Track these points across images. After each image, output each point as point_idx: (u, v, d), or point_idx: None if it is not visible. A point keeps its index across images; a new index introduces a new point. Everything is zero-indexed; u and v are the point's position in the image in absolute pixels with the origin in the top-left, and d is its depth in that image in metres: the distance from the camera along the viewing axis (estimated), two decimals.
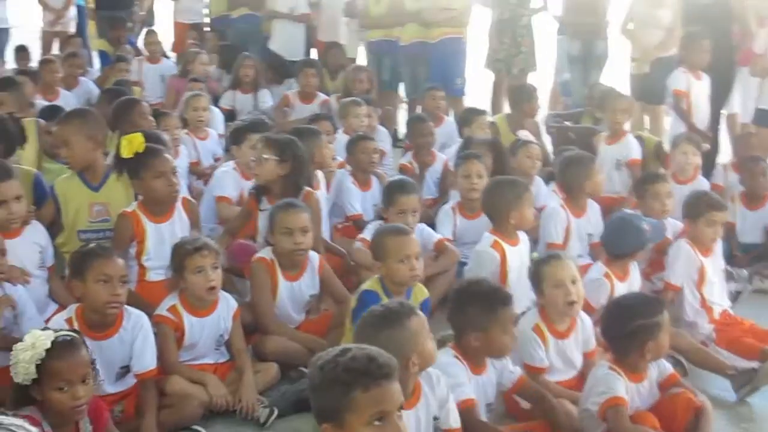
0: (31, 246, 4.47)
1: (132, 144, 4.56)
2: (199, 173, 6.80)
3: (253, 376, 4.18)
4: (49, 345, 3.12)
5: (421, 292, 4.31)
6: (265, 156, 5.04)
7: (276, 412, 4.05)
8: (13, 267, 4.23)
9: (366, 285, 4.27)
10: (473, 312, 3.66)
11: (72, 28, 11.50)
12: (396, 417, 2.48)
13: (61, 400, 3.14)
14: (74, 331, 3.39)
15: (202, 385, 4.07)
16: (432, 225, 5.63)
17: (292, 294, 4.61)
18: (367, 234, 5.08)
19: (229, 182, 5.81)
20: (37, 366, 3.10)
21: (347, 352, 2.48)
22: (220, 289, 4.24)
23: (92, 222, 4.81)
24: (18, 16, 12.27)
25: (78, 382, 3.15)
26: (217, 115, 7.84)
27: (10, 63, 10.64)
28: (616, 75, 9.55)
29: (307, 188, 5.07)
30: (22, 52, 10.49)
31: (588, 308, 4.38)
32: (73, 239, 4.81)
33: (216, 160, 7.05)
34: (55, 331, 3.25)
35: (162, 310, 4.16)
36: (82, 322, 3.84)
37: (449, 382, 3.46)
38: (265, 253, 4.60)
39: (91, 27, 12.00)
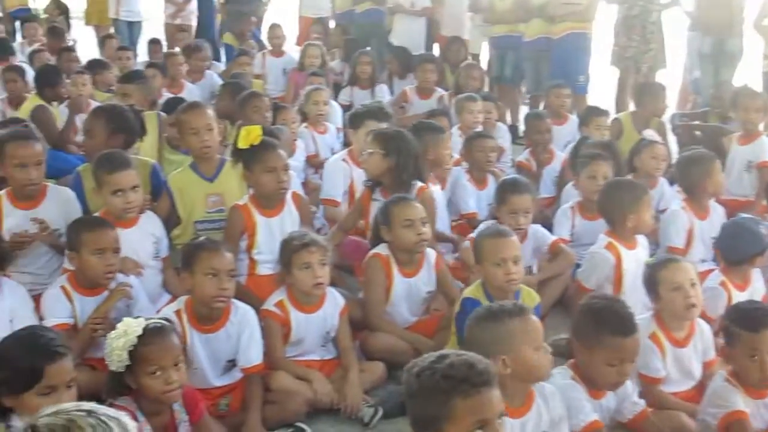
0: (146, 236, 4.55)
1: (249, 135, 4.59)
2: (317, 166, 6.80)
3: (358, 374, 4.14)
4: (140, 331, 3.17)
5: (530, 298, 4.17)
6: (370, 150, 5.00)
7: (381, 413, 3.99)
8: (126, 258, 4.31)
9: (468, 291, 4.18)
10: (604, 338, 3.45)
11: (193, 21, 11.73)
12: (497, 425, 2.39)
13: (154, 385, 3.17)
14: (166, 319, 3.44)
15: (307, 381, 4.05)
16: (549, 225, 5.48)
17: (409, 290, 4.54)
18: (476, 233, 4.98)
19: (337, 179, 5.72)
20: (130, 353, 3.15)
21: (444, 358, 2.40)
22: (329, 286, 4.21)
23: (208, 212, 4.87)
24: (151, 8, 12.61)
25: (170, 367, 3.19)
26: (336, 110, 7.86)
27: (144, 56, 10.94)
28: (750, 73, 9.11)
29: (421, 184, 5.00)
30: (154, 44, 10.80)
31: (705, 318, 4.17)
32: (189, 231, 4.88)
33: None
34: (146, 318, 3.30)
35: (269, 305, 4.16)
36: (191, 314, 3.88)
37: (569, 404, 3.34)
38: (381, 249, 4.54)
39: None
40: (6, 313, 3.94)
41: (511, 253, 4.09)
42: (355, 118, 5.95)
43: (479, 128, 6.77)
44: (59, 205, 4.65)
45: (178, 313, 3.87)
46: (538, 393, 3.23)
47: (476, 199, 5.94)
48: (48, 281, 4.35)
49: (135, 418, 3.10)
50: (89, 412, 2.34)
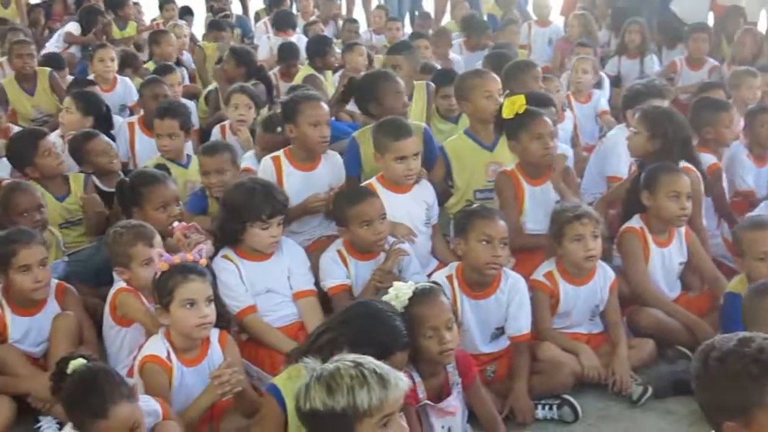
0: (418, 203, 4.63)
1: (514, 105, 4.57)
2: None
3: (626, 350, 4.04)
4: (410, 294, 3.24)
5: None
6: (635, 129, 4.84)
7: (650, 391, 3.89)
8: (400, 224, 4.42)
9: (731, 286, 4.01)
10: None
11: None
12: None
13: (429, 345, 3.23)
14: (435, 283, 3.51)
15: (575, 354, 4.00)
16: None
17: (663, 261, 4.42)
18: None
19: (621, 156, 5.57)
20: (401, 315, 3.22)
21: (750, 342, 2.24)
22: (599, 259, 4.14)
23: (489, 181, 4.87)
24: None
25: (443, 328, 3.24)
26: (602, 80, 7.66)
27: (408, 27, 11.17)
28: None
29: (686, 164, 4.77)
30: (423, 18, 10.99)
31: None
32: (466, 199, 4.92)
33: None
34: (416, 282, 3.37)
35: (538, 275, 4.15)
36: (462, 280, 3.94)
37: None
38: (634, 222, 4.44)
39: None
40: (285, 271, 4.19)
41: None
42: (633, 98, 5.64)
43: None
44: (332, 169, 4.88)
45: (449, 278, 3.93)
46: None
47: (755, 177, 5.60)
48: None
49: (411, 378, 3.19)
50: (357, 365, 2.46)
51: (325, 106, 4.84)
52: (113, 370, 3.11)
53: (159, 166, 5.07)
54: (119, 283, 3.86)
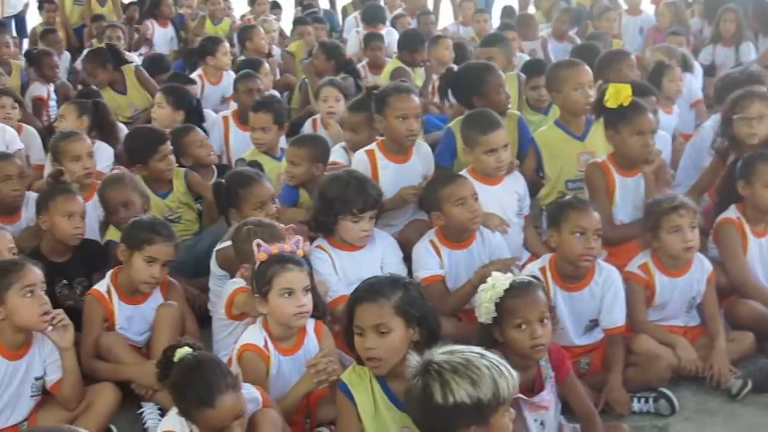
0: (510, 194, 4.63)
1: (619, 94, 4.50)
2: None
3: (725, 343, 3.97)
4: (507, 285, 3.24)
5: None
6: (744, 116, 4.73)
7: (750, 385, 3.82)
8: (493, 215, 4.42)
9: None
10: None
11: None
12: None
13: (520, 338, 3.22)
14: (534, 277, 3.49)
15: (671, 347, 3.95)
16: None
17: (761, 252, 4.34)
18: None
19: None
20: (497, 305, 3.24)
21: None
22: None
23: (580, 171, 4.84)
24: None
25: (536, 321, 3.23)
26: (694, 68, 7.50)
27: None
28: None
29: None
30: (507, 9, 10.94)
31: None
32: (558, 189, 4.90)
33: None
34: (514, 274, 3.39)
35: (633, 267, 4.11)
36: (555, 272, 3.93)
37: None
38: (730, 213, 4.36)
39: None
40: (377, 260, 4.25)
41: None
42: (729, 85, 5.50)
43: None
44: (423, 160, 4.93)
45: (542, 270, 3.92)
46: None
47: None
48: None
49: None
50: (481, 355, 2.47)
51: (416, 99, 4.85)
52: (219, 359, 3.19)
53: (252, 163, 5.17)
54: (237, 282, 3.93)
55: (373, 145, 4.92)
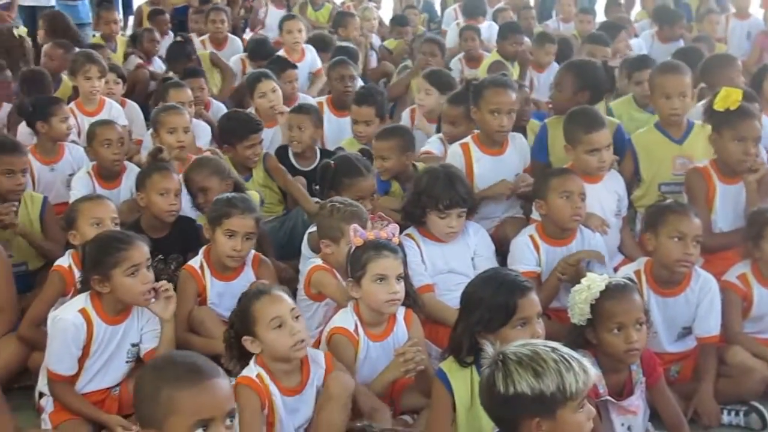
0: (610, 193, 4.57)
1: (729, 98, 4.39)
2: None
3: None
4: (603, 287, 3.19)
5: None
6: None
7: None
8: (593, 215, 4.37)
9: None
10: None
11: None
12: None
13: (615, 342, 3.18)
14: (630, 279, 3.42)
15: (766, 360, 3.85)
16: None
17: None
18: None
19: None
20: (592, 307, 3.19)
21: None
22: None
23: (675, 175, 4.75)
24: None
25: (631, 326, 3.18)
26: None
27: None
28: None
29: None
30: (613, 5, 10.76)
31: None
32: (652, 192, 4.81)
33: None
34: (610, 276, 3.33)
35: (731, 276, 4.02)
36: (650, 276, 3.87)
37: None
38: None
39: None
40: (469, 253, 4.26)
41: None
42: None
43: None
44: (519, 152, 4.93)
45: (637, 273, 3.86)
46: None
47: None
48: None
49: None
50: (553, 349, 2.46)
51: (512, 95, 4.81)
52: None
53: (362, 151, 5.18)
54: (315, 260, 3.99)
55: (468, 138, 4.91)
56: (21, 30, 7.71)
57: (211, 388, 2.22)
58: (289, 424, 3.26)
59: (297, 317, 3.23)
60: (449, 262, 4.19)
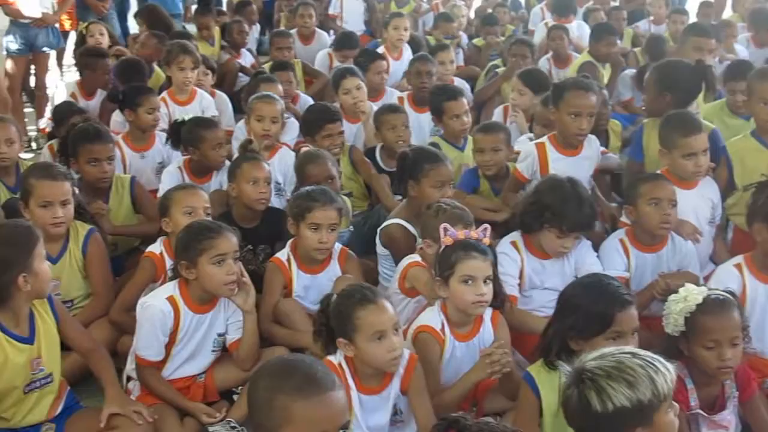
0: (704, 200, 4.47)
1: None
2: None
3: None
4: (700, 300, 3.11)
5: None
6: None
7: None
8: (686, 222, 4.27)
9: None
10: None
11: None
12: None
13: (708, 357, 3.10)
14: (731, 293, 3.28)
15: None
16: None
17: None
18: None
19: None
20: (686, 319, 3.11)
21: None
22: None
23: None
24: None
25: (725, 344, 3.09)
26: None
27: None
28: None
29: None
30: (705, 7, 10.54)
31: None
32: (745, 200, 4.62)
33: None
34: (710, 288, 3.22)
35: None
36: (752, 266, 3.76)
37: None
38: None
39: None
40: (570, 270, 4.11)
41: None
42: None
43: None
44: (593, 154, 4.89)
45: (737, 267, 3.78)
46: None
47: None
48: None
49: (683, 385, 3.12)
50: (633, 354, 2.40)
51: (592, 98, 4.73)
52: None
53: (432, 144, 5.18)
54: (413, 257, 3.98)
55: (544, 138, 4.88)
56: (82, 25, 7.87)
57: (327, 401, 2.20)
58: (363, 423, 3.23)
59: (397, 329, 3.15)
60: (547, 279, 4.08)
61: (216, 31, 8.75)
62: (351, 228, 4.99)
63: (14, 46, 7.79)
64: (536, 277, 4.08)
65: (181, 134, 5.18)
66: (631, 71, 7.36)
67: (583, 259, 4.12)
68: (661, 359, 2.41)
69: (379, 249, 4.43)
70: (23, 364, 3.32)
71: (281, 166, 5.25)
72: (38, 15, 7.77)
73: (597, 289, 3.12)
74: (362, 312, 3.09)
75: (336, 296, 3.19)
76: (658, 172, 4.45)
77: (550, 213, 3.97)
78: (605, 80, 7.34)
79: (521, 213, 4.13)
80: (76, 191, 4.28)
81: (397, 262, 4.25)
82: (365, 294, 3.15)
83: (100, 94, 6.76)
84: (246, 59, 8.59)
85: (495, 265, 3.55)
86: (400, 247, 4.31)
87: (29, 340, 3.34)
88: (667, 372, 2.38)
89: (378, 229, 4.46)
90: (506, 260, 4.01)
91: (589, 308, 3.04)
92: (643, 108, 5.46)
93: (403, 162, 4.60)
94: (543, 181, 4.26)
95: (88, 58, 6.91)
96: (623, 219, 4.46)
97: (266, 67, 7.40)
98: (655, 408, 2.35)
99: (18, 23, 7.76)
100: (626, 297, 3.08)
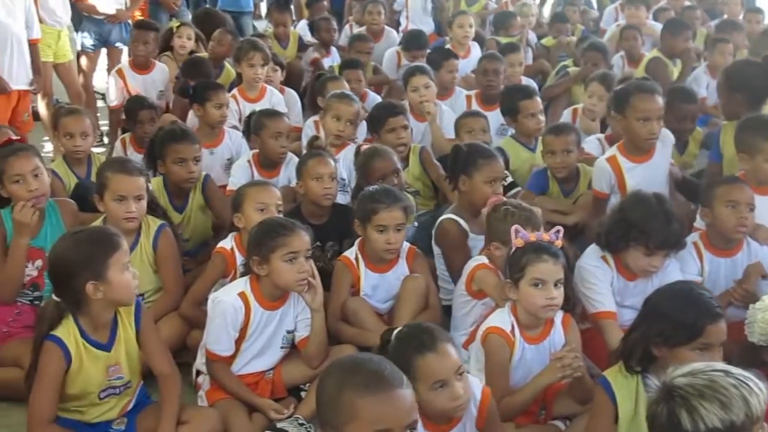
0: None
1: None
2: None
3: None
4: None
5: None
6: None
7: None
8: (762, 226, 4.16)
9: None
10: None
11: None
12: None
13: None
14: None
15: None
16: None
17: None
18: None
19: None
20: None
21: None
22: None
23: None
24: None
25: None
26: None
27: None
28: None
29: None
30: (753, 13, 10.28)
31: None
32: None
33: None
34: None
35: None
36: None
37: None
38: None
39: None
40: (655, 287, 3.95)
41: None
42: None
43: None
44: (666, 150, 4.81)
45: None
46: None
47: None
48: None
49: None
50: (726, 373, 2.32)
51: (659, 101, 4.63)
52: None
53: (504, 146, 5.14)
54: (480, 258, 3.96)
55: (613, 150, 4.78)
56: (173, 23, 7.97)
57: (394, 398, 2.19)
58: None
59: (461, 374, 2.88)
60: (629, 297, 3.92)
61: (293, 35, 8.69)
62: (415, 224, 4.97)
63: (89, 42, 7.96)
64: (618, 296, 3.94)
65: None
66: (703, 68, 7.24)
67: (670, 275, 3.89)
68: (754, 378, 2.34)
69: (435, 248, 4.43)
70: (99, 370, 3.34)
71: (346, 162, 5.28)
72: (112, 11, 7.93)
73: (688, 298, 3.01)
74: (421, 361, 2.81)
75: (394, 338, 2.93)
76: (736, 174, 4.35)
77: (637, 231, 3.79)
78: (674, 76, 7.22)
79: (606, 232, 3.92)
80: (149, 187, 4.33)
81: (446, 257, 4.28)
82: (423, 341, 2.85)
83: (158, 68, 6.97)
84: (335, 58, 8.52)
85: (566, 268, 3.49)
86: (451, 241, 4.31)
87: (106, 346, 3.36)
88: (760, 393, 2.29)
89: (433, 230, 4.45)
90: (596, 273, 3.87)
91: (678, 318, 2.94)
92: (715, 107, 5.35)
93: (455, 156, 4.56)
94: (628, 198, 4.10)
95: (137, 30, 7.13)
96: (696, 224, 4.37)
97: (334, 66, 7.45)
98: (747, 430, 2.28)
99: (91, 19, 7.92)
100: (717, 310, 2.97)
